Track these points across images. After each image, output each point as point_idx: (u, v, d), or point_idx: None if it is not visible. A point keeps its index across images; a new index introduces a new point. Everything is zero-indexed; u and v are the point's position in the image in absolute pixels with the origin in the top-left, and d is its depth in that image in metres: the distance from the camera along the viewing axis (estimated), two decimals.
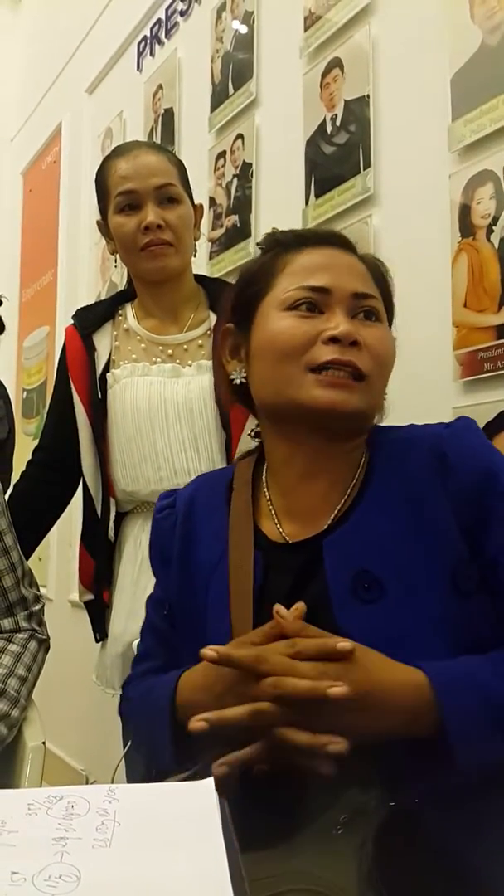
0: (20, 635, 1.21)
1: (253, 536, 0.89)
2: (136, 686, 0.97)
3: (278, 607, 0.76)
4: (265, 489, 0.93)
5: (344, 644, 0.72)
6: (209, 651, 0.74)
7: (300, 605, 0.76)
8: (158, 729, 0.82)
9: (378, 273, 0.93)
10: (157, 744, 0.83)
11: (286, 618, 0.75)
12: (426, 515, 0.82)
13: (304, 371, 0.84)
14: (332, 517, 0.86)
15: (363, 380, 0.84)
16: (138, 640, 1.31)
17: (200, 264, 1.77)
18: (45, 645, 1.24)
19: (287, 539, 0.88)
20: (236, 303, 0.95)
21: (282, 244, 0.93)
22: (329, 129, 1.66)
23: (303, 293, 0.86)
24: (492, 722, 0.72)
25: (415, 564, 0.80)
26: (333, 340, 0.83)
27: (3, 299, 1.52)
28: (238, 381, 0.93)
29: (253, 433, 1.00)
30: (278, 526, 0.89)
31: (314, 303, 0.86)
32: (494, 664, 0.75)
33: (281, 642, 0.75)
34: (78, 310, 1.57)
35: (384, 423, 0.95)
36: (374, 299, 0.88)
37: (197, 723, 0.72)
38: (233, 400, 1.00)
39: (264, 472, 0.95)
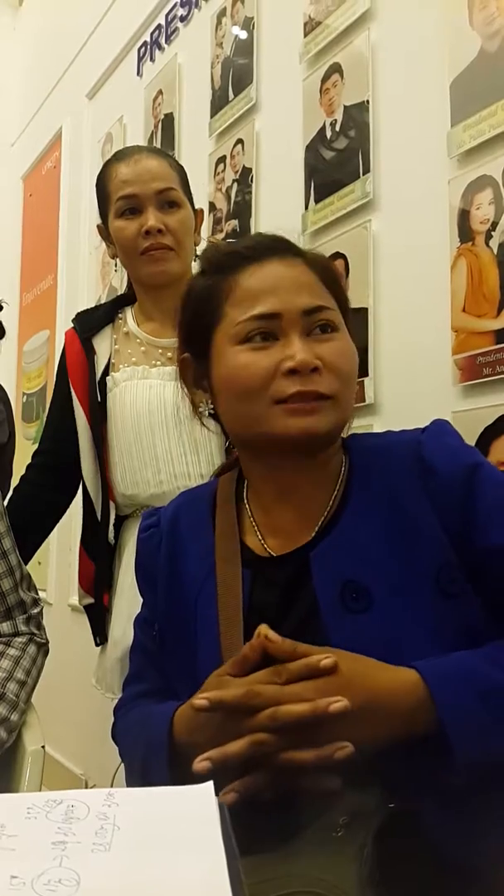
0: (19, 639, 1.21)
1: (239, 552, 0.88)
2: (128, 713, 0.96)
3: (264, 629, 0.75)
4: (247, 505, 0.93)
5: (326, 661, 0.71)
6: (200, 701, 0.73)
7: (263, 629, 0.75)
8: (157, 769, 0.81)
9: (327, 274, 0.90)
10: (155, 781, 0.81)
11: (275, 640, 0.74)
12: (408, 521, 0.82)
13: (270, 405, 0.83)
14: (315, 529, 0.86)
15: (330, 399, 0.83)
16: None
17: None
18: (44, 649, 1.24)
19: (272, 553, 0.88)
20: (188, 333, 0.93)
21: (221, 268, 0.90)
22: (329, 134, 1.67)
23: (253, 324, 0.84)
24: (489, 711, 0.71)
25: (400, 571, 0.80)
26: (293, 372, 0.82)
27: (3, 304, 1.52)
28: (208, 413, 0.93)
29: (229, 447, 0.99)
30: (262, 541, 0.89)
31: (266, 331, 0.84)
32: (487, 653, 0.75)
33: (264, 672, 0.73)
34: (78, 313, 1.57)
35: (382, 424, 0.95)
36: (327, 310, 0.86)
37: (200, 764, 0.71)
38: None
39: (245, 488, 0.95)
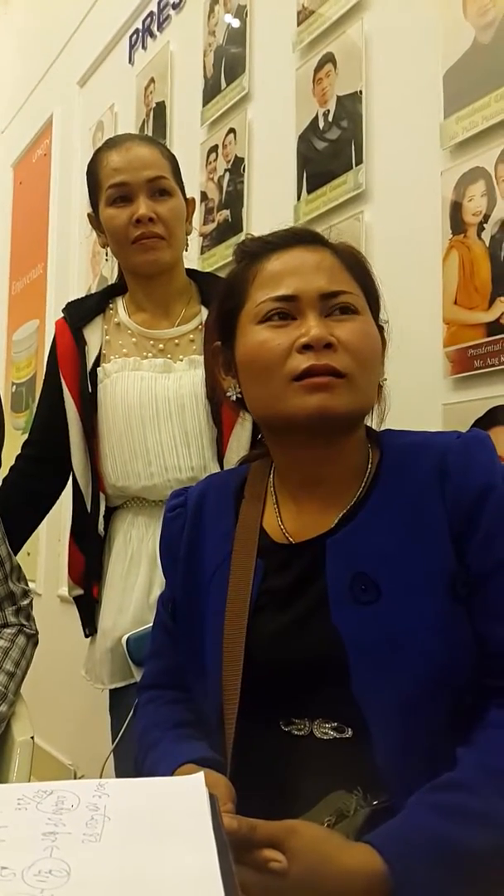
0: (8, 630, 1.21)
1: (257, 543, 0.89)
2: (146, 713, 0.96)
3: (226, 819, 0.64)
4: (272, 490, 0.94)
5: (275, 865, 0.65)
6: None
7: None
8: None
9: (354, 262, 0.92)
10: None
11: (230, 826, 0.63)
12: (426, 522, 0.82)
13: (287, 382, 0.83)
14: (336, 519, 0.87)
15: (344, 377, 0.83)
16: (128, 635, 1.31)
17: (192, 259, 1.76)
18: (33, 640, 1.24)
19: (291, 540, 0.89)
20: (218, 319, 0.95)
21: (250, 254, 0.93)
22: (321, 124, 1.66)
23: (272, 304, 0.86)
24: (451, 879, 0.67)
25: (412, 569, 0.81)
26: (307, 347, 0.83)
27: None
28: (235, 398, 0.94)
29: (259, 437, 1.00)
30: (283, 528, 0.90)
31: (285, 311, 0.86)
32: (452, 804, 0.70)
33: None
34: (68, 303, 1.56)
35: (372, 417, 0.95)
36: (347, 294, 0.87)
37: None
38: (238, 412, 1.01)
39: (272, 474, 0.96)
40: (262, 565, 0.88)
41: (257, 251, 0.92)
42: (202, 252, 2.06)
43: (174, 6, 2.33)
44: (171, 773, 0.80)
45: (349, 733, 0.80)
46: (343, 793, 0.75)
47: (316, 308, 0.85)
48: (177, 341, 1.42)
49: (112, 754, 1.31)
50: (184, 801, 0.58)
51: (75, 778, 2.43)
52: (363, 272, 0.92)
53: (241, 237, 1.89)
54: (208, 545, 0.93)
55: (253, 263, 0.91)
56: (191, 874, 0.50)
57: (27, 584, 1.29)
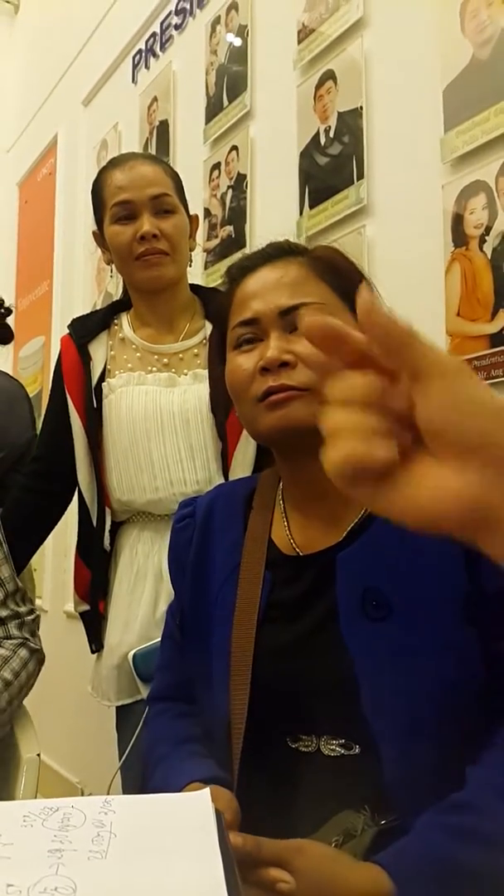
0: (10, 641, 1.20)
1: (265, 554, 0.89)
2: (156, 725, 0.96)
3: (233, 837, 0.64)
4: (281, 502, 0.94)
5: (283, 886, 0.65)
6: None
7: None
8: None
9: (327, 267, 0.89)
10: None
11: (236, 844, 0.63)
12: (438, 540, 0.81)
13: (255, 404, 0.85)
14: (345, 532, 0.86)
15: (306, 391, 0.82)
16: (134, 651, 1.31)
17: (196, 275, 1.77)
18: (37, 655, 1.23)
19: (299, 552, 0.88)
20: (217, 343, 0.97)
21: (232, 279, 0.94)
22: (323, 140, 1.67)
23: (239, 330, 0.88)
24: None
25: (424, 586, 0.80)
26: (265, 370, 0.84)
27: (11, 308, 1.51)
28: None
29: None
30: (291, 539, 0.90)
31: (252, 335, 0.87)
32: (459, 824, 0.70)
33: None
34: (73, 319, 1.57)
35: None
36: (310, 305, 0.85)
37: None
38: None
39: (279, 485, 0.96)
40: (271, 577, 0.87)
41: (236, 276, 0.93)
42: (206, 267, 2.07)
43: (177, 26, 2.36)
44: (180, 791, 0.80)
45: (356, 750, 0.79)
46: (350, 812, 0.75)
47: (278, 326, 0.85)
48: (181, 356, 1.43)
49: (119, 772, 1.30)
50: (190, 817, 0.58)
51: (83, 795, 2.42)
52: (338, 274, 0.90)
53: (245, 252, 1.90)
54: (217, 556, 0.93)
55: (233, 288, 0.92)
56: (197, 891, 0.50)
57: (33, 604, 1.28)
